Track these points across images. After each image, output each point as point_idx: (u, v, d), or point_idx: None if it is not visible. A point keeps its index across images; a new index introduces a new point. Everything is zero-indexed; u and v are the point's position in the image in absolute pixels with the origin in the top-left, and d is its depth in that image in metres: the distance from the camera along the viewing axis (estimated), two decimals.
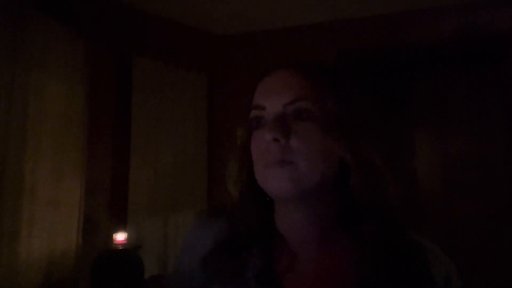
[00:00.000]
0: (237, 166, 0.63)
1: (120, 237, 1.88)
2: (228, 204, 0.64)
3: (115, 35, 2.18)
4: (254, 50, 2.57)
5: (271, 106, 0.56)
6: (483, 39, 2.26)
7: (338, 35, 2.43)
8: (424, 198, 2.71)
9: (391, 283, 0.52)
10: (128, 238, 1.91)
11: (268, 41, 2.56)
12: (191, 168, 2.39)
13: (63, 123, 1.84)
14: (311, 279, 0.56)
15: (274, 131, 0.54)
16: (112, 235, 1.88)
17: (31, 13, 1.69)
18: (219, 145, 2.50)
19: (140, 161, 2.18)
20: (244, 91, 0.64)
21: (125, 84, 2.19)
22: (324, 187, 0.56)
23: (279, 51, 2.50)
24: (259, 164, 0.57)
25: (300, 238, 0.59)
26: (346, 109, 0.56)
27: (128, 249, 1.87)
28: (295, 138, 0.54)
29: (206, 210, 0.70)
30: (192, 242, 0.65)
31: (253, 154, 0.59)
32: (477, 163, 2.60)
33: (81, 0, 2.03)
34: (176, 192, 2.30)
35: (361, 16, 2.35)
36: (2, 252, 1.53)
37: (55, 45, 1.81)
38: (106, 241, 1.93)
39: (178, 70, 2.39)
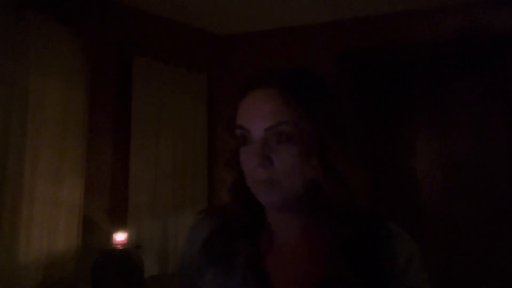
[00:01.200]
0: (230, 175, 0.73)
1: (120, 237, 1.88)
2: (224, 203, 0.74)
3: (115, 35, 2.18)
4: (254, 50, 2.57)
5: (253, 130, 0.64)
6: (483, 39, 2.26)
7: (338, 35, 2.43)
8: (424, 198, 2.71)
9: (356, 264, 0.61)
10: (128, 238, 1.91)
11: (268, 41, 2.56)
12: (191, 168, 2.39)
13: (63, 123, 1.84)
14: (290, 263, 0.67)
15: (259, 158, 0.62)
16: (112, 235, 1.88)
17: (31, 13, 1.69)
18: (219, 145, 2.50)
19: (140, 161, 2.18)
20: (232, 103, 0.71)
21: (125, 84, 2.19)
22: (303, 193, 0.65)
23: (279, 51, 2.51)
24: (249, 179, 0.66)
25: (284, 231, 0.69)
26: (321, 126, 0.63)
27: (128, 249, 1.87)
28: (278, 161, 0.62)
29: (206, 208, 0.79)
30: (192, 235, 0.75)
31: (243, 166, 0.67)
32: (477, 163, 2.60)
33: (81, 0, 2.04)
34: (176, 192, 2.30)
35: (361, 16, 2.35)
36: (2, 252, 1.53)
37: (55, 45, 1.81)
38: (106, 241, 1.93)
39: (178, 70, 2.39)
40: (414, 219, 2.71)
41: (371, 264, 0.62)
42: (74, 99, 1.91)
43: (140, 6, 2.25)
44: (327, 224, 0.66)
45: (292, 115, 0.62)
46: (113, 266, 1.79)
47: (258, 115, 0.63)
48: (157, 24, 2.37)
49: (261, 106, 0.63)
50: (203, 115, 2.49)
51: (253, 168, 0.64)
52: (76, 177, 1.90)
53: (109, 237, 1.91)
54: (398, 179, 2.78)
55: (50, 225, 1.75)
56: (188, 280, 0.73)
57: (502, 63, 2.44)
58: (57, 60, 1.83)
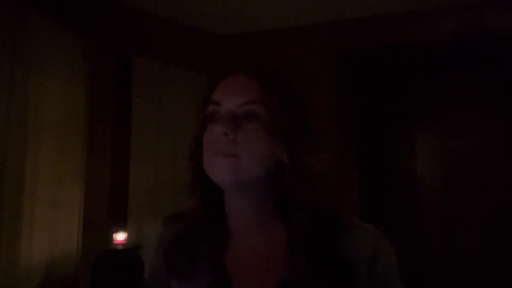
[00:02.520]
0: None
1: (120, 237, 1.88)
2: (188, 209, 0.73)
3: (115, 35, 2.18)
4: (254, 50, 2.57)
5: (226, 104, 0.65)
6: (483, 39, 2.26)
7: (338, 35, 2.43)
8: (424, 198, 2.71)
9: (318, 261, 0.61)
10: (128, 238, 1.91)
11: (268, 41, 2.56)
12: None
13: (63, 123, 1.84)
14: (252, 264, 0.66)
15: (225, 126, 0.62)
16: (112, 235, 1.88)
17: (31, 13, 1.69)
18: None
19: (140, 161, 2.18)
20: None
21: (125, 84, 2.19)
22: (263, 180, 0.64)
23: (279, 51, 2.51)
24: (207, 154, 0.65)
25: (244, 225, 0.68)
26: (289, 116, 0.64)
27: (128, 249, 1.87)
28: (242, 135, 0.62)
29: (170, 215, 0.78)
30: (158, 243, 0.75)
31: (204, 145, 0.66)
32: (477, 163, 2.60)
33: (81, 0, 2.04)
34: (176, 192, 2.30)
35: (361, 16, 2.35)
36: (2, 252, 1.53)
37: (55, 45, 1.81)
38: (106, 241, 1.93)
39: (178, 70, 2.39)
40: (414, 219, 2.71)
41: (334, 258, 0.62)
42: (74, 99, 1.91)
43: (140, 6, 2.25)
44: (285, 220, 0.66)
45: (265, 98, 0.64)
46: (113, 266, 1.79)
47: (233, 91, 0.65)
48: (157, 24, 2.37)
49: (237, 84, 0.66)
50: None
51: (215, 139, 0.63)
52: (77, 177, 1.90)
53: (109, 237, 1.90)
54: (398, 179, 2.78)
55: (51, 225, 1.75)
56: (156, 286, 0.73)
57: (502, 63, 2.44)
58: (57, 60, 1.82)
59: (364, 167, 2.70)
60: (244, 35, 2.60)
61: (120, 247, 1.85)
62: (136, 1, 2.21)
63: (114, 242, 1.86)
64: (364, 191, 2.64)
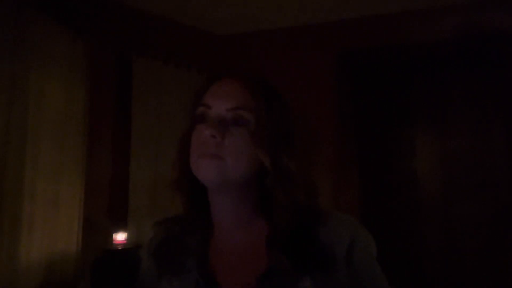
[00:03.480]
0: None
1: (120, 237, 1.88)
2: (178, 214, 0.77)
3: (115, 35, 2.18)
4: (254, 50, 2.57)
5: (215, 107, 0.68)
6: (483, 39, 2.26)
7: (338, 35, 2.43)
8: (424, 198, 2.71)
9: (297, 255, 0.63)
10: (128, 238, 1.91)
11: (268, 41, 2.56)
12: None
13: (63, 123, 1.84)
14: (235, 260, 0.69)
15: (213, 129, 0.64)
16: (112, 235, 1.88)
17: (31, 13, 1.69)
18: None
19: (140, 161, 2.18)
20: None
21: (125, 84, 2.19)
22: (246, 181, 0.68)
23: (279, 51, 2.51)
24: (195, 154, 0.67)
25: (227, 222, 0.71)
26: (274, 123, 0.67)
27: (128, 249, 1.87)
28: (229, 139, 0.65)
29: (162, 218, 0.84)
30: (149, 245, 0.79)
31: (192, 145, 0.69)
32: (477, 163, 2.60)
33: (81, 0, 2.03)
34: (176, 192, 2.30)
35: (361, 16, 2.35)
36: (2, 252, 1.53)
37: (55, 45, 1.81)
38: (106, 241, 1.92)
39: (178, 70, 2.38)
40: (414, 219, 2.71)
41: (311, 248, 0.64)
42: (74, 99, 1.91)
43: (140, 6, 2.25)
44: (268, 217, 0.69)
45: (253, 105, 0.67)
46: (113, 266, 1.79)
47: (223, 96, 0.68)
48: (157, 24, 2.37)
49: (227, 89, 0.69)
50: None
51: (203, 140, 0.65)
52: (76, 177, 1.90)
53: (109, 237, 1.90)
54: (398, 179, 2.78)
55: (51, 225, 1.75)
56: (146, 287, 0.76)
57: (502, 63, 2.44)
58: (57, 60, 1.82)
59: (364, 167, 2.70)
60: (244, 35, 2.60)
61: (120, 247, 1.85)
62: (136, 1, 2.21)
63: (114, 242, 1.86)
64: (364, 191, 2.64)
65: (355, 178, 2.59)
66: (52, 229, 1.76)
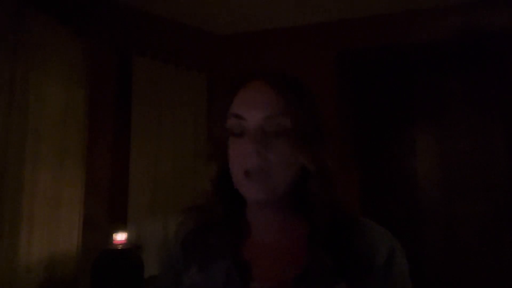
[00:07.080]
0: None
1: (120, 237, 1.88)
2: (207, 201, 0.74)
3: (115, 35, 2.18)
4: (254, 50, 2.57)
5: (251, 118, 0.64)
6: (483, 39, 2.26)
7: (338, 35, 2.43)
8: (424, 198, 2.71)
9: (337, 254, 0.62)
10: (128, 238, 1.91)
11: (268, 41, 2.56)
12: (191, 168, 2.38)
13: (63, 123, 1.84)
14: (269, 255, 0.67)
15: (257, 143, 0.62)
16: (112, 235, 1.88)
17: (31, 13, 1.69)
18: None
19: (140, 161, 2.18)
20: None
21: (125, 84, 2.19)
22: (289, 190, 0.66)
23: (279, 51, 2.51)
24: (237, 169, 0.65)
25: (265, 225, 0.70)
26: (311, 123, 0.65)
27: (128, 249, 1.87)
28: (273, 152, 0.62)
29: (190, 205, 0.78)
30: (178, 232, 0.76)
31: (230, 157, 0.66)
32: (477, 163, 2.60)
33: (81, 0, 2.03)
34: (176, 192, 2.30)
35: (361, 16, 2.35)
36: (2, 252, 1.53)
37: (55, 45, 1.81)
38: (106, 241, 1.93)
39: (178, 70, 2.39)
40: (414, 219, 2.71)
41: (351, 254, 0.63)
42: (74, 99, 1.91)
43: (140, 6, 2.25)
44: (305, 217, 0.68)
45: (288, 109, 0.64)
46: (113, 266, 1.79)
47: (256, 104, 0.64)
48: (157, 24, 2.37)
49: (261, 97, 0.65)
50: (203, 115, 2.49)
51: (246, 156, 0.63)
52: (77, 177, 1.90)
53: (109, 237, 1.90)
54: (398, 179, 2.78)
55: (51, 225, 1.75)
56: (173, 274, 0.74)
57: (502, 63, 2.44)
58: (57, 60, 1.83)
59: (364, 167, 2.70)
60: (244, 35, 2.61)
61: (120, 247, 1.85)
62: (136, 1, 2.21)
63: (114, 242, 1.86)
64: (364, 191, 2.64)
65: (355, 178, 2.59)
66: (52, 229, 1.76)
